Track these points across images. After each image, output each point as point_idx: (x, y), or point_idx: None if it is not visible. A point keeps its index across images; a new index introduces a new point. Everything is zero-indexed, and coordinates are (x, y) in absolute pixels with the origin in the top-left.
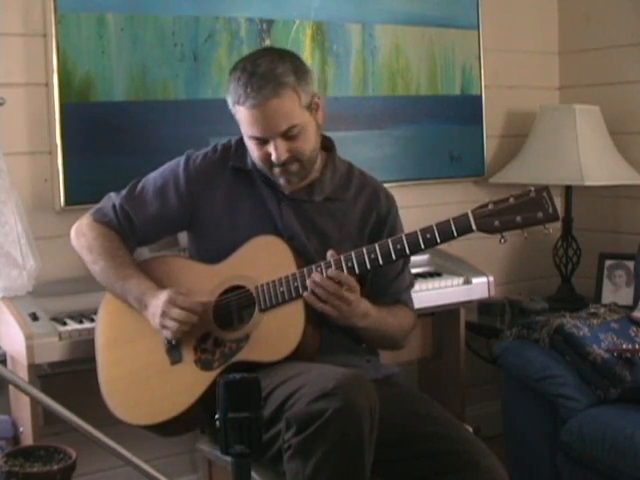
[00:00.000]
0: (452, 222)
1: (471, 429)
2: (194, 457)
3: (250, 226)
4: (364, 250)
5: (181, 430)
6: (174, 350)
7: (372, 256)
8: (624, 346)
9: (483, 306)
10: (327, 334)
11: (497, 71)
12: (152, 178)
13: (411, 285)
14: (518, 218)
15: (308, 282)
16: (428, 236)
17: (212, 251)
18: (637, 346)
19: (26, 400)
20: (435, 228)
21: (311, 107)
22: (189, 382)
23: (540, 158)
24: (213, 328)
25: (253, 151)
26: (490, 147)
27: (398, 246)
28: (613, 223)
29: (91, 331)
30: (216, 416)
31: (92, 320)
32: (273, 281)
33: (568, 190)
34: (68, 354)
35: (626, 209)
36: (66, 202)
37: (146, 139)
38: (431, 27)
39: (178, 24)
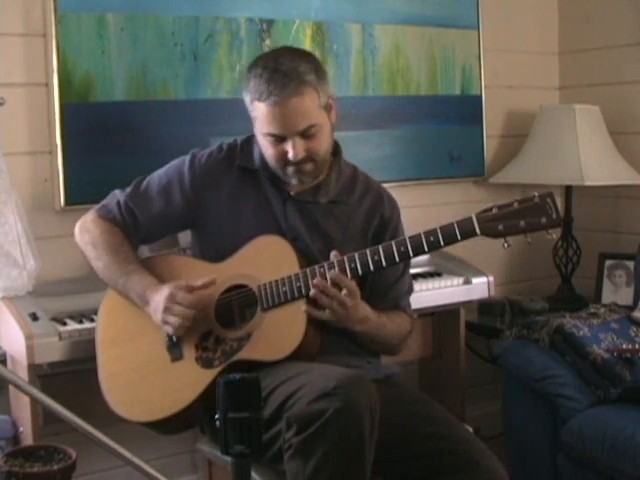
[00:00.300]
0: (456, 225)
1: (471, 429)
2: (194, 457)
3: (254, 226)
4: (367, 252)
5: (181, 428)
6: (175, 347)
7: (375, 258)
8: (624, 346)
9: (483, 306)
10: (328, 335)
11: (497, 71)
12: (157, 176)
13: (410, 291)
14: (522, 223)
15: (311, 291)
16: (432, 239)
17: (215, 250)
18: (637, 346)
19: (26, 400)
20: (439, 231)
21: (327, 107)
22: (189, 379)
23: (540, 158)
24: (215, 326)
25: (267, 149)
26: (490, 147)
27: (402, 248)
28: (613, 223)
29: (91, 331)
30: (216, 416)
31: (92, 320)
32: (276, 281)
33: (568, 190)
34: (68, 354)
35: (626, 209)
36: (66, 202)
37: (146, 139)
38: (431, 27)
39: (178, 24)
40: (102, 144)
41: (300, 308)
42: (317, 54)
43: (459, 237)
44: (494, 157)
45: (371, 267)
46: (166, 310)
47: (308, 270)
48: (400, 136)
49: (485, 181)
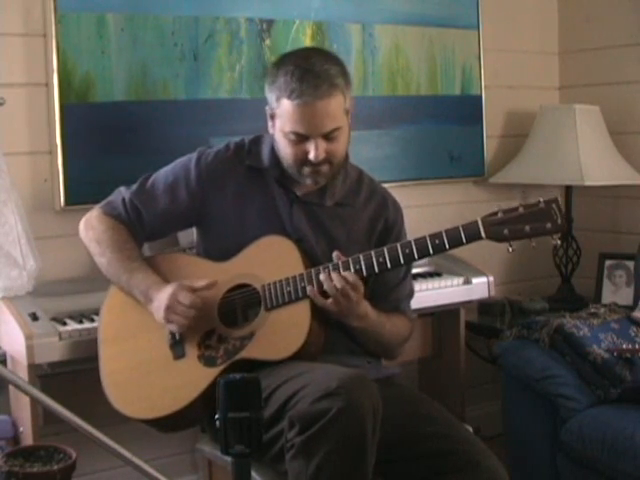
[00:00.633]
0: (462, 229)
1: (471, 429)
2: (194, 457)
3: (259, 226)
4: (372, 253)
5: (181, 426)
6: (177, 345)
7: (380, 259)
8: (624, 346)
9: (483, 306)
10: (330, 334)
11: (497, 71)
12: (163, 174)
13: (411, 295)
14: (527, 228)
15: (321, 277)
16: (437, 242)
17: (220, 249)
18: (637, 346)
19: (26, 400)
20: (444, 234)
21: (349, 112)
22: (191, 377)
23: (540, 158)
24: (218, 325)
25: (286, 147)
26: (490, 147)
27: (407, 251)
28: (613, 223)
29: (91, 331)
30: (216, 416)
31: (92, 320)
32: (280, 280)
33: (568, 190)
34: (68, 354)
35: (626, 209)
36: (66, 202)
37: (146, 139)
38: (431, 27)
39: (178, 24)
40: (102, 144)
41: (304, 308)
42: None
43: (464, 241)
44: (494, 157)
45: (376, 269)
46: (169, 309)
47: (313, 270)
48: (400, 136)
49: (485, 181)
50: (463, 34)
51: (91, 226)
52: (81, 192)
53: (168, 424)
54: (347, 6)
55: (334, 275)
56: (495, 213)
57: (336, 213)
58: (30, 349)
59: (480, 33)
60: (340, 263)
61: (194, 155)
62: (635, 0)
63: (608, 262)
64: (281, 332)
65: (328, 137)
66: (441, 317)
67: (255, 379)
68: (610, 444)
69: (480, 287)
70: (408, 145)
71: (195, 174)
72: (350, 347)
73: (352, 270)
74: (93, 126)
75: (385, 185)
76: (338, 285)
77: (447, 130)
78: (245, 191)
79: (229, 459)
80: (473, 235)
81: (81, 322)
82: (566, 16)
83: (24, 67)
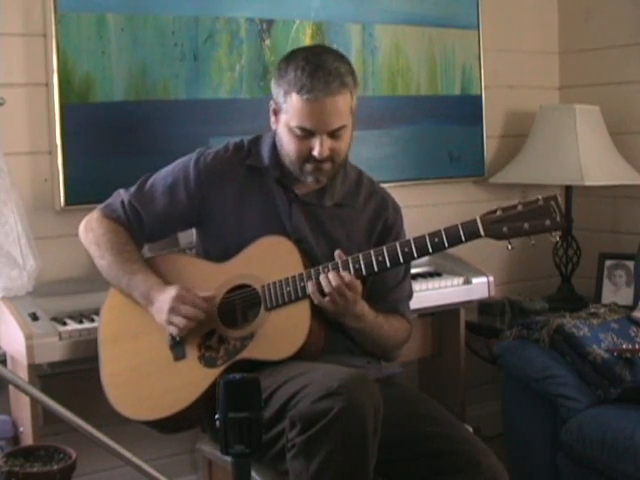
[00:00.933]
0: (460, 227)
1: (471, 429)
2: (194, 457)
3: (258, 226)
4: (372, 252)
5: (182, 427)
6: (178, 346)
7: (379, 258)
8: (624, 346)
9: (483, 306)
10: (330, 335)
11: (497, 71)
12: (162, 175)
13: (410, 296)
14: (526, 225)
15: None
16: (436, 240)
17: (220, 249)
18: (637, 346)
19: (26, 400)
20: (443, 233)
21: (353, 112)
22: (192, 379)
23: (540, 158)
24: (218, 326)
25: (290, 143)
26: (490, 147)
27: (406, 249)
28: (613, 223)
29: (91, 331)
30: (216, 416)
31: (92, 320)
32: (280, 281)
33: (568, 190)
34: (68, 354)
35: (626, 209)
36: (66, 202)
37: (146, 139)
38: (431, 27)
39: (178, 24)
40: (102, 144)
41: (303, 308)
42: None
43: (463, 239)
44: (494, 157)
45: (375, 268)
46: (172, 310)
47: (312, 270)
48: (400, 136)
49: (485, 181)
50: (463, 34)
51: (91, 229)
52: (81, 192)
53: (169, 425)
54: (347, 6)
55: (331, 274)
56: (494, 211)
57: (335, 213)
58: (30, 349)
59: (480, 33)
60: (339, 262)
61: (193, 156)
62: (635, 0)
63: (608, 262)
64: (281, 332)
65: (333, 135)
66: (441, 317)
67: (255, 379)
68: (610, 444)
69: (480, 287)
70: (408, 145)
71: (194, 175)
72: (350, 347)
73: (351, 269)
74: (93, 126)
75: (385, 185)
76: (334, 283)
77: (447, 130)
78: (244, 191)
79: (229, 459)
80: (472, 233)
81: (81, 322)
82: (566, 16)
83: (24, 67)
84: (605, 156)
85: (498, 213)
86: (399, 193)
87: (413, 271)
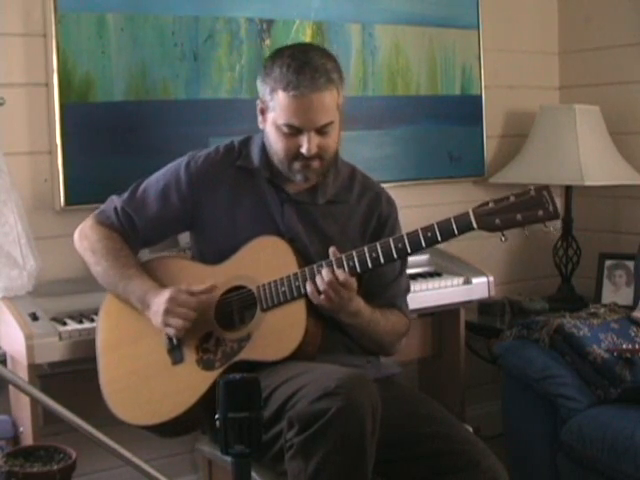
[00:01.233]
0: (453, 220)
1: (471, 429)
2: (194, 457)
3: (252, 227)
4: (365, 249)
5: (181, 431)
6: (175, 350)
7: (373, 255)
8: (624, 346)
9: (483, 306)
10: (328, 334)
11: (497, 71)
12: (154, 180)
13: (407, 291)
14: (519, 216)
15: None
16: (429, 234)
17: (214, 251)
18: (637, 346)
19: (26, 400)
20: (436, 226)
21: (340, 108)
22: (190, 382)
23: (540, 158)
24: (215, 328)
25: (278, 141)
26: (490, 147)
27: (400, 245)
28: (613, 223)
29: (91, 331)
30: (216, 416)
31: (92, 320)
32: (275, 281)
33: (568, 190)
34: (68, 354)
35: (626, 209)
36: (66, 202)
37: (146, 139)
38: (431, 27)
39: (178, 24)
40: (102, 144)
41: (299, 308)
42: None
43: (456, 232)
44: (494, 157)
45: (369, 265)
46: (167, 312)
47: (307, 269)
48: (400, 136)
49: (485, 181)
50: (463, 34)
51: (85, 236)
52: (81, 192)
53: (168, 430)
54: (347, 6)
55: (325, 271)
56: (486, 203)
57: (329, 211)
58: (30, 349)
59: (480, 33)
60: (333, 260)
61: (184, 159)
62: (635, 0)
63: (608, 262)
64: (278, 332)
65: (321, 131)
66: (441, 317)
67: (255, 379)
68: (610, 444)
69: (480, 287)
70: (408, 145)
71: (185, 179)
72: (349, 346)
73: (346, 267)
74: (93, 126)
75: (385, 185)
76: (327, 279)
77: (447, 130)
78: (236, 193)
79: (229, 459)
80: (465, 226)
81: (81, 322)
82: (566, 16)
83: (24, 67)
84: (605, 156)
85: (490, 205)
86: (399, 193)
87: (413, 271)
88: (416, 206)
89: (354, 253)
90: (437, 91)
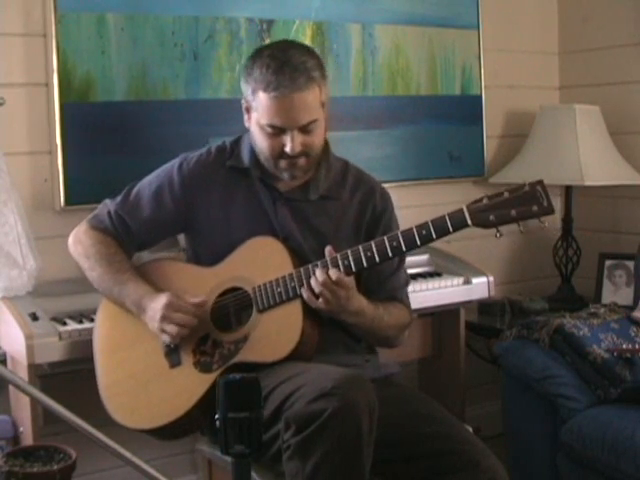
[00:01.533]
0: (447, 217)
1: (471, 429)
2: (194, 457)
3: (246, 226)
4: (360, 248)
5: (180, 434)
6: (173, 353)
7: (368, 254)
8: (624, 346)
9: (483, 306)
10: (326, 333)
11: (497, 71)
12: (147, 182)
13: (407, 283)
14: (513, 212)
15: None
16: (424, 232)
17: (209, 252)
18: (637, 346)
19: (26, 400)
20: (431, 224)
21: (325, 104)
22: (188, 385)
23: (540, 158)
24: (212, 330)
25: (263, 141)
26: (490, 147)
27: (394, 243)
28: (613, 223)
29: (91, 331)
30: (216, 416)
31: (92, 320)
32: (270, 282)
33: (568, 190)
34: (68, 354)
35: (626, 209)
36: (66, 202)
37: (146, 139)
38: (431, 27)
39: (178, 24)
40: (102, 144)
41: (295, 309)
42: None
43: (451, 229)
44: (494, 157)
45: (364, 263)
46: (163, 318)
47: (302, 270)
48: (400, 136)
49: (485, 181)
50: (463, 34)
51: (79, 241)
52: (81, 192)
53: (167, 433)
54: (347, 6)
55: (318, 272)
56: (480, 199)
57: (322, 207)
58: (30, 349)
59: (480, 33)
60: (329, 260)
61: (176, 161)
62: (635, 0)
63: (608, 262)
64: (274, 334)
65: (305, 130)
66: (441, 317)
67: (255, 379)
68: (610, 444)
69: (480, 287)
70: (408, 145)
71: (178, 181)
72: (348, 345)
73: (341, 266)
74: (93, 126)
75: (385, 185)
76: (321, 279)
77: (447, 130)
78: (229, 193)
79: (229, 459)
80: (459, 223)
81: (81, 322)
82: (566, 16)
83: (24, 67)
84: (605, 156)
85: (484, 201)
86: (399, 193)
87: (413, 271)
88: (416, 206)
89: (349, 252)
90: (437, 91)
